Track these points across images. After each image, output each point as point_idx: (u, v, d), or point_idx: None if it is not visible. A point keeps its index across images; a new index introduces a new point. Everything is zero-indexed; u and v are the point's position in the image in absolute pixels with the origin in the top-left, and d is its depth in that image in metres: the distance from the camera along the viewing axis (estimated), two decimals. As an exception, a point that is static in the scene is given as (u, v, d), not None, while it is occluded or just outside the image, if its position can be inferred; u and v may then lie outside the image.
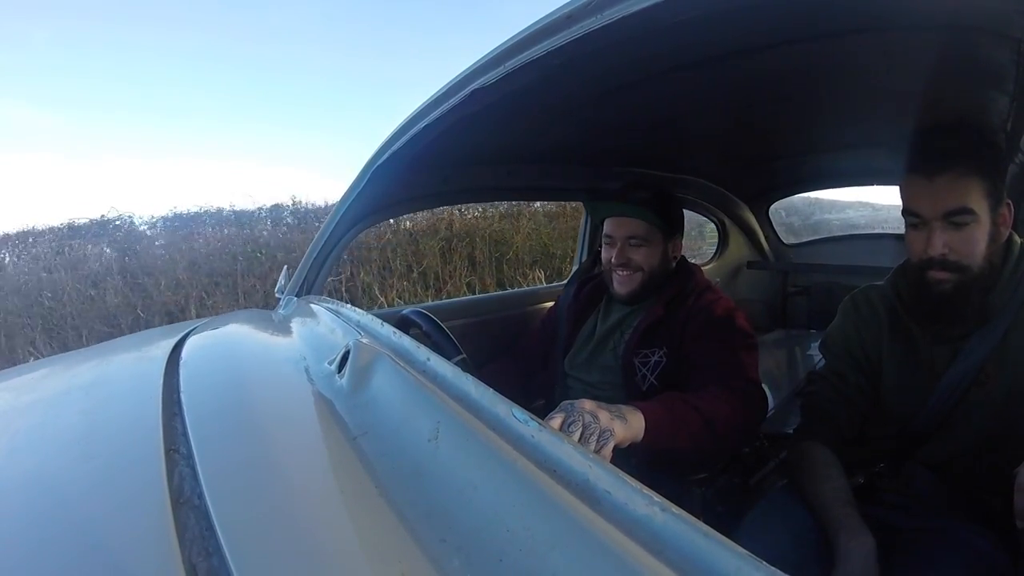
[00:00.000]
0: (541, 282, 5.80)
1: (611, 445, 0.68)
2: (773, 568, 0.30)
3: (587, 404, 0.69)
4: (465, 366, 0.60)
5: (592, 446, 0.65)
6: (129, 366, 1.01)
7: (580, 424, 0.65)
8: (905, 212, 0.85)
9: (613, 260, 1.21)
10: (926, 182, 0.81)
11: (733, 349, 1.06)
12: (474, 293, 5.84)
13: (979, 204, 0.79)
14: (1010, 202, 0.84)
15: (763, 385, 1.08)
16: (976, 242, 0.80)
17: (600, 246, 1.37)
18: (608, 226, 1.23)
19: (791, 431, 1.49)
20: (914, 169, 0.84)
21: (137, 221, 6.40)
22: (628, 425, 0.74)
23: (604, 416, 0.69)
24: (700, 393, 0.95)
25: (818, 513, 0.80)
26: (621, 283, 1.22)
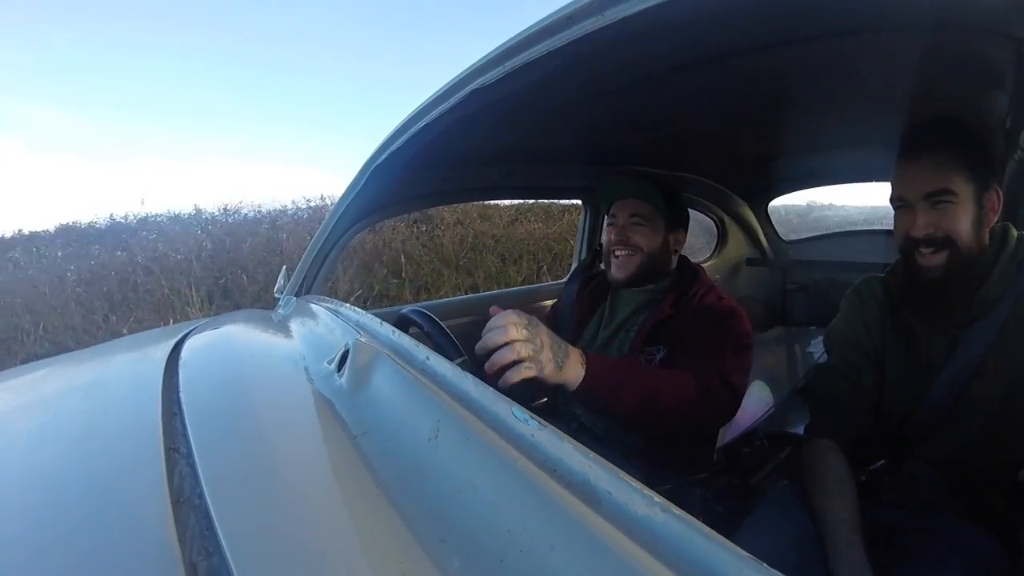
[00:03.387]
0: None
1: (521, 376, 0.72)
2: (773, 570, 0.30)
3: (544, 334, 0.74)
4: (466, 367, 0.61)
5: (504, 360, 0.71)
6: (129, 366, 1.01)
7: (521, 343, 0.71)
8: (893, 198, 0.88)
9: (614, 238, 1.22)
10: (908, 164, 0.85)
11: (720, 347, 1.06)
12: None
13: (961, 187, 0.81)
14: (999, 189, 0.85)
15: (763, 383, 1.08)
16: (959, 220, 0.82)
17: (600, 244, 1.37)
18: (613, 207, 1.25)
19: (791, 430, 1.49)
20: (900, 155, 0.87)
21: None
22: (560, 371, 0.78)
23: (546, 351, 0.74)
24: (664, 371, 0.97)
25: (821, 527, 0.78)
26: (619, 266, 1.22)
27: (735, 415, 1.14)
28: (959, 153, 0.82)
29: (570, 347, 0.82)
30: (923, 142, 0.85)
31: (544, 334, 0.76)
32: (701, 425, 1.07)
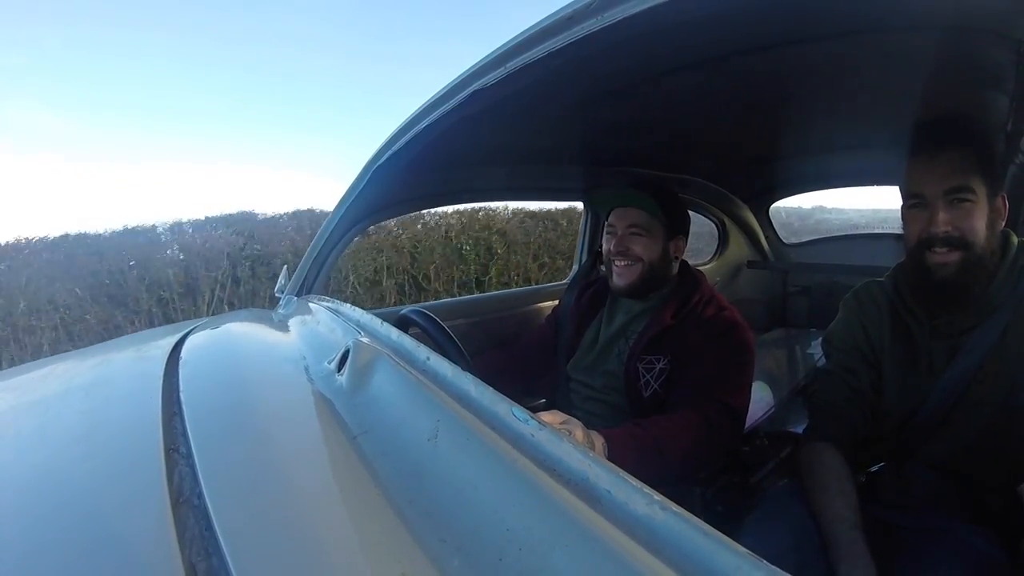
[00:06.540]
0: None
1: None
2: (773, 567, 0.30)
3: (579, 431, 0.73)
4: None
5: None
6: (129, 366, 1.01)
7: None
8: (907, 196, 0.86)
9: (613, 248, 1.22)
10: (928, 160, 0.84)
11: (723, 367, 1.06)
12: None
13: (978, 187, 0.81)
14: (1004, 195, 0.86)
15: (764, 384, 1.07)
16: (977, 220, 0.82)
17: (600, 246, 1.37)
18: (611, 217, 1.24)
19: (791, 430, 1.49)
20: (916, 151, 0.86)
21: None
22: None
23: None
24: (670, 422, 0.96)
25: (823, 527, 0.78)
26: (620, 275, 1.21)
27: (740, 438, 1.14)
28: (975, 154, 0.82)
29: (595, 438, 0.81)
30: (943, 139, 0.84)
31: (579, 432, 0.76)
32: (711, 457, 1.06)
